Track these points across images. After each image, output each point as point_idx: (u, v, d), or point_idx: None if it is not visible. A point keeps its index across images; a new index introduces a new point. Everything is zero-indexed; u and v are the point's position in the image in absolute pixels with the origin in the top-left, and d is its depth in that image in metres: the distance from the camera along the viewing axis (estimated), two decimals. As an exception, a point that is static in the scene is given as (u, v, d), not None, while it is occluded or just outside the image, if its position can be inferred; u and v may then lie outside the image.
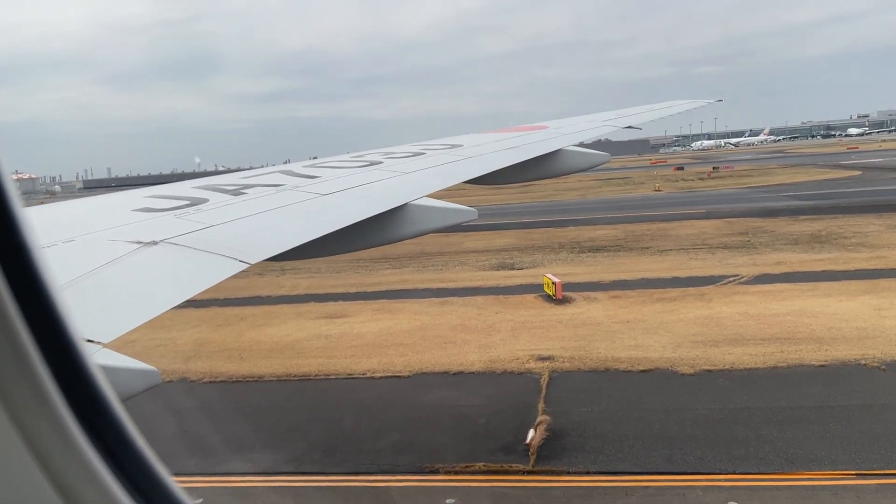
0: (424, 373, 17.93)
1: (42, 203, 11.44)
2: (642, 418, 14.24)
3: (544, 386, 16.29)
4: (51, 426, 1.46)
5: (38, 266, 1.50)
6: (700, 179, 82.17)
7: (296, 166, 9.88)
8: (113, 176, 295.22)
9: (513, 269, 31.79)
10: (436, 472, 12.62)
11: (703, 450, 12.66)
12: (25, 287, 1.45)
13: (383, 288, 28.83)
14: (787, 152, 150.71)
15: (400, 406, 16.12)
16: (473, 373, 17.64)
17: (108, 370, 3.20)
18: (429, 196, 7.97)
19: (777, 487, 11.42)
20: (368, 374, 18.09)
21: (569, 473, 12.27)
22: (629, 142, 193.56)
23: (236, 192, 7.31)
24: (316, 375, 18.33)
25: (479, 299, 25.44)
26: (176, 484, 1.74)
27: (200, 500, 12.04)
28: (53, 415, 1.46)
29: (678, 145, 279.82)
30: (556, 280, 24.79)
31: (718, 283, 25.45)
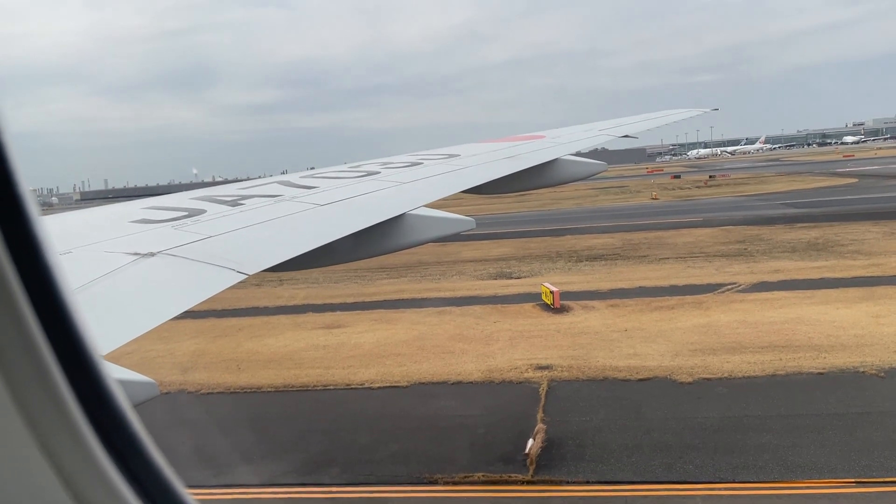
0: (423, 383, 17.89)
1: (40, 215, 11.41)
2: (641, 427, 14.21)
3: (543, 395, 16.26)
4: (66, 432, 1.47)
5: (55, 274, 1.51)
6: (697, 188, 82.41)
7: (293, 177, 9.89)
8: (110, 187, 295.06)
9: (510, 278, 31.79)
10: (435, 482, 12.57)
11: (703, 458, 12.63)
12: (42, 296, 1.46)
13: (381, 298, 28.80)
14: (784, 160, 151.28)
15: (398, 416, 16.08)
16: (472, 382, 17.60)
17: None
18: (426, 206, 7.97)
19: (776, 496, 11.40)
20: (367, 385, 18.04)
21: (568, 483, 12.23)
22: (626, 150, 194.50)
23: (234, 203, 7.31)
24: (314, 386, 18.28)
25: (477, 308, 25.42)
26: (189, 495, 1.75)
27: None
28: (69, 421, 1.47)
29: (671, 154, 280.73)
30: (554, 289, 24.80)
31: (716, 292, 25.47)
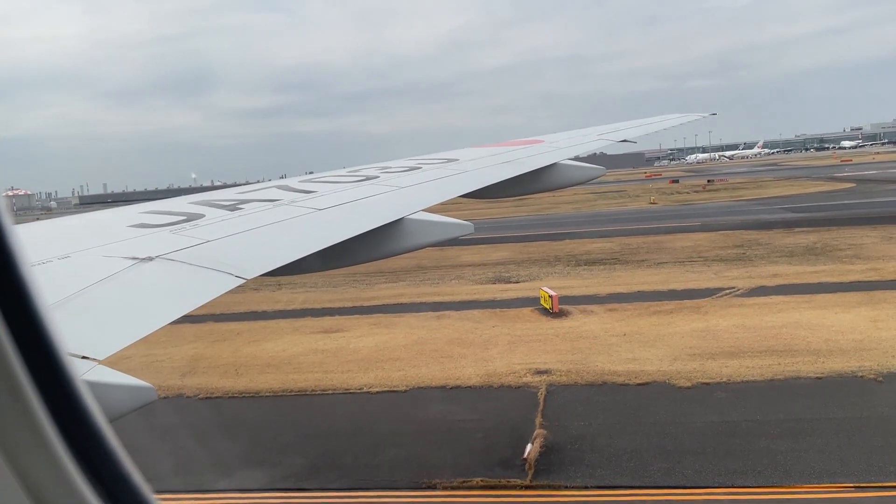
0: (421, 387, 17.87)
1: (38, 219, 11.42)
2: (640, 432, 14.20)
3: (542, 400, 16.25)
4: (30, 435, 1.46)
5: (26, 280, 1.50)
6: (695, 192, 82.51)
7: (292, 181, 9.89)
8: (109, 192, 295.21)
9: (509, 282, 31.79)
10: (433, 487, 12.55)
11: (702, 463, 12.63)
12: (12, 301, 1.45)
13: (380, 302, 28.78)
14: (781, 165, 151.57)
15: (397, 421, 16.06)
16: (471, 387, 17.59)
17: (102, 387, 3.19)
18: (425, 210, 7.97)
19: (775, 500, 11.39)
20: (365, 389, 18.02)
21: (567, 488, 12.21)
22: (624, 155, 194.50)
23: (232, 208, 7.30)
24: (313, 391, 18.25)
25: (476, 313, 25.41)
26: (157, 500, 1.74)
27: None
28: (36, 428, 1.45)
29: (669, 158, 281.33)
30: (553, 293, 24.79)
31: (714, 296, 25.47)
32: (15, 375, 1.42)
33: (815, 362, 17.27)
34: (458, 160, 11.87)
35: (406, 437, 15.06)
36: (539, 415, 15.31)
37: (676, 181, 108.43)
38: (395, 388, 17.90)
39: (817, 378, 16.31)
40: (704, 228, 45.10)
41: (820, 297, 23.92)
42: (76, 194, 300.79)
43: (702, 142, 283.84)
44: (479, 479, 12.59)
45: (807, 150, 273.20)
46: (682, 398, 15.82)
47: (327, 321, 25.94)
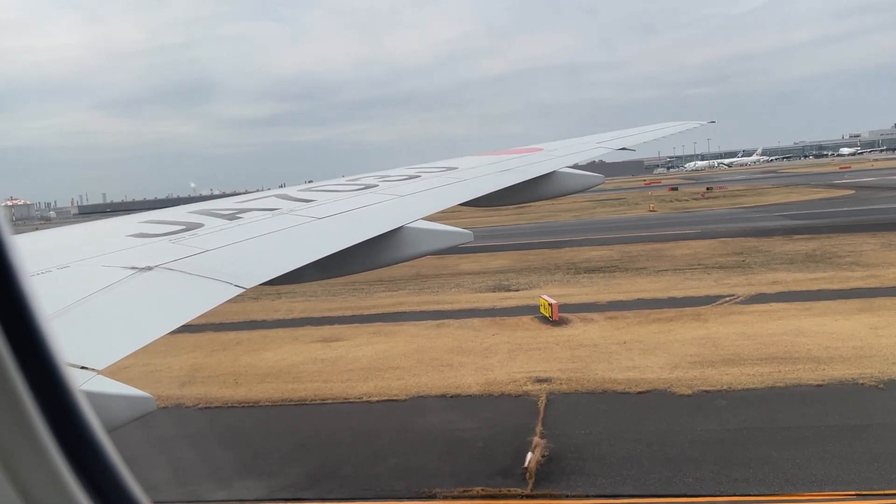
0: (421, 396, 17.83)
1: (37, 229, 11.42)
2: (641, 440, 14.15)
3: (542, 408, 16.21)
4: (31, 451, 1.45)
5: (24, 290, 1.50)
6: (694, 200, 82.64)
7: (291, 190, 9.88)
8: (108, 201, 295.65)
9: (509, 290, 31.76)
10: (434, 496, 12.49)
11: (703, 471, 12.58)
12: (11, 311, 1.45)
13: (379, 311, 28.76)
14: (780, 172, 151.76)
15: (397, 430, 16.01)
16: (471, 395, 17.54)
17: (101, 397, 3.18)
18: (424, 219, 7.96)
19: (777, 509, 11.33)
20: (365, 398, 17.98)
21: (568, 497, 12.16)
22: (623, 163, 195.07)
23: (231, 217, 7.30)
24: (312, 400, 18.20)
25: (476, 321, 25.38)
26: None
27: None
28: (34, 438, 1.45)
29: (668, 166, 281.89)
30: (553, 301, 24.78)
31: (714, 304, 25.46)
32: (13, 385, 1.42)
33: (816, 370, 17.24)
34: (457, 168, 11.88)
35: (406, 446, 15.00)
36: (539, 423, 15.27)
37: (675, 189, 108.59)
38: (395, 397, 17.86)
39: (818, 385, 16.28)
40: (704, 236, 45.12)
41: (820, 305, 23.90)
42: (75, 204, 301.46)
43: (700, 149, 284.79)
44: (480, 488, 12.54)
45: (805, 157, 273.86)
46: (683, 406, 15.78)
47: (327, 330, 25.91)
